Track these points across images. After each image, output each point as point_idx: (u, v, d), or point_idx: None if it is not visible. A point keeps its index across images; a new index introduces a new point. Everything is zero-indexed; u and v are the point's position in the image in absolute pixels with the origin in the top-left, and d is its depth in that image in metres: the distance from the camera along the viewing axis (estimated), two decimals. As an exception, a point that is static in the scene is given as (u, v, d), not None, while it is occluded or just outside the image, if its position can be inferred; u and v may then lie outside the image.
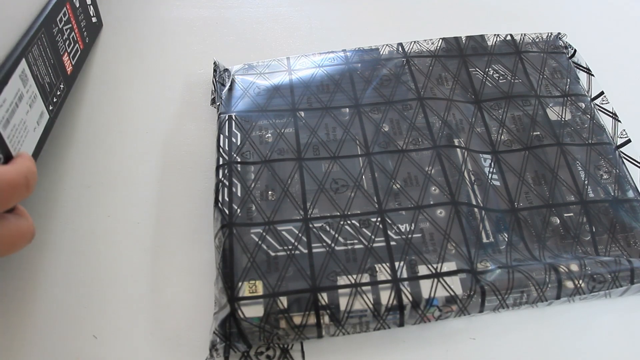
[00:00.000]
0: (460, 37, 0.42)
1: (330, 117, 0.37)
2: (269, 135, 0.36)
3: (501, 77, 0.40)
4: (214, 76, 0.41)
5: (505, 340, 0.31)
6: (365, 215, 0.32)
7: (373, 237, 0.31)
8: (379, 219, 0.32)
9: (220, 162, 0.35)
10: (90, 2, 0.43)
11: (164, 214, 0.36)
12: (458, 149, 0.35)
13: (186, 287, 0.33)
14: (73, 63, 0.40)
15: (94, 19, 0.44)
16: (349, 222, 0.32)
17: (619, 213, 0.33)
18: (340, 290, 0.29)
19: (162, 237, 0.35)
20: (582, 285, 0.30)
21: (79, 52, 0.41)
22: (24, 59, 0.32)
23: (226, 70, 0.41)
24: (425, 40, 0.42)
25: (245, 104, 0.38)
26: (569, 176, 0.35)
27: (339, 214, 0.32)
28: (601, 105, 0.39)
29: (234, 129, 0.36)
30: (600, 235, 0.33)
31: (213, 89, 0.41)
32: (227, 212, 0.32)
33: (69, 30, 0.39)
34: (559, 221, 0.33)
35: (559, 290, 0.30)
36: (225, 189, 0.33)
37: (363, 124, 0.37)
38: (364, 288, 0.29)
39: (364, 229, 0.32)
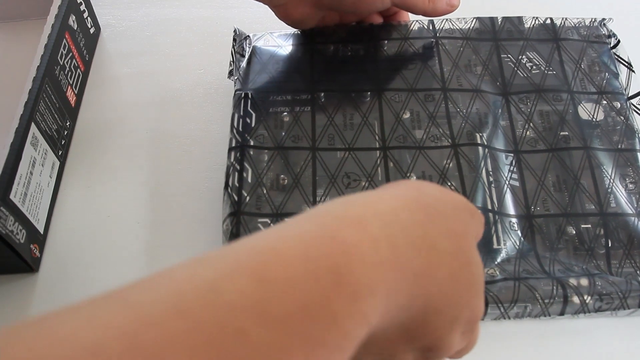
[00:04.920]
0: (496, 17, 0.39)
1: (349, 101, 0.35)
2: (285, 114, 0.34)
3: (534, 67, 0.37)
4: (233, 46, 0.38)
5: (505, 342, 0.31)
6: None
7: None
8: None
9: (233, 144, 0.33)
10: (87, 14, 0.43)
11: (164, 214, 0.36)
12: (479, 147, 0.33)
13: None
14: (76, 92, 0.40)
15: (92, 30, 0.44)
16: None
17: (639, 228, 0.31)
18: None
19: (162, 236, 0.35)
20: (589, 303, 0.29)
21: (81, 76, 0.41)
22: (33, 123, 0.32)
23: (247, 37, 0.39)
24: (458, 18, 0.39)
25: (263, 80, 0.36)
26: (591, 184, 0.33)
27: None
28: (638, 105, 0.36)
29: (249, 108, 0.35)
30: (616, 250, 0.31)
31: (231, 59, 0.38)
32: (236, 198, 0.31)
33: (69, 60, 0.39)
34: (574, 232, 0.31)
35: (564, 306, 0.29)
36: (236, 174, 0.32)
37: (382, 112, 0.35)
38: None
39: None
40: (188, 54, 0.44)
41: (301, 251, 0.17)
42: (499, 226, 0.31)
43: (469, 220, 0.22)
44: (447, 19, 0.39)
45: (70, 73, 0.39)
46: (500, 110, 0.35)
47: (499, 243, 0.31)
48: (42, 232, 0.34)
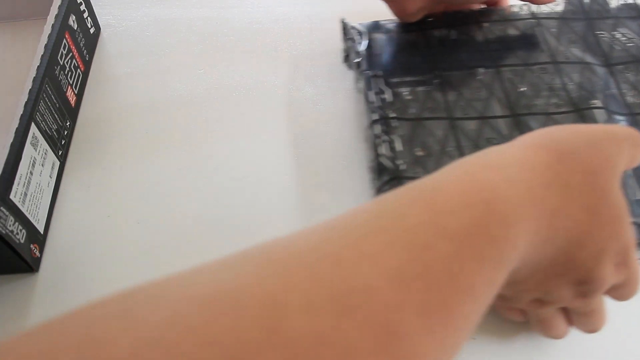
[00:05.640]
0: None
1: (470, 77, 0.38)
2: (414, 91, 0.37)
3: (628, 41, 0.40)
4: (344, 34, 0.42)
5: (505, 339, 0.31)
6: None
7: None
8: None
9: (375, 118, 0.36)
10: (87, 14, 0.43)
11: (164, 213, 0.36)
12: (596, 110, 0.36)
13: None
14: (76, 92, 0.40)
15: (92, 30, 0.44)
16: None
17: None
18: None
19: (162, 236, 0.35)
20: None
21: (81, 76, 0.41)
22: (33, 123, 0.32)
23: (353, 27, 0.41)
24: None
25: (387, 61, 0.39)
26: None
27: None
28: None
29: (382, 85, 0.37)
30: None
31: (345, 46, 0.41)
32: (392, 165, 0.33)
33: (69, 60, 0.39)
34: None
35: None
36: (387, 144, 0.34)
37: (504, 85, 0.37)
38: None
39: None
40: (188, 54, 0.44)
41: (456, 189, 0.20)
42: (632, 180, 0.33)
43: (612, 151, 0.24)
44: None
45: (70, 73, 0.39)
46: (607, 81, 0.38)
47: (636, 195, 0.32)
48: (42, 232, 0.34)
